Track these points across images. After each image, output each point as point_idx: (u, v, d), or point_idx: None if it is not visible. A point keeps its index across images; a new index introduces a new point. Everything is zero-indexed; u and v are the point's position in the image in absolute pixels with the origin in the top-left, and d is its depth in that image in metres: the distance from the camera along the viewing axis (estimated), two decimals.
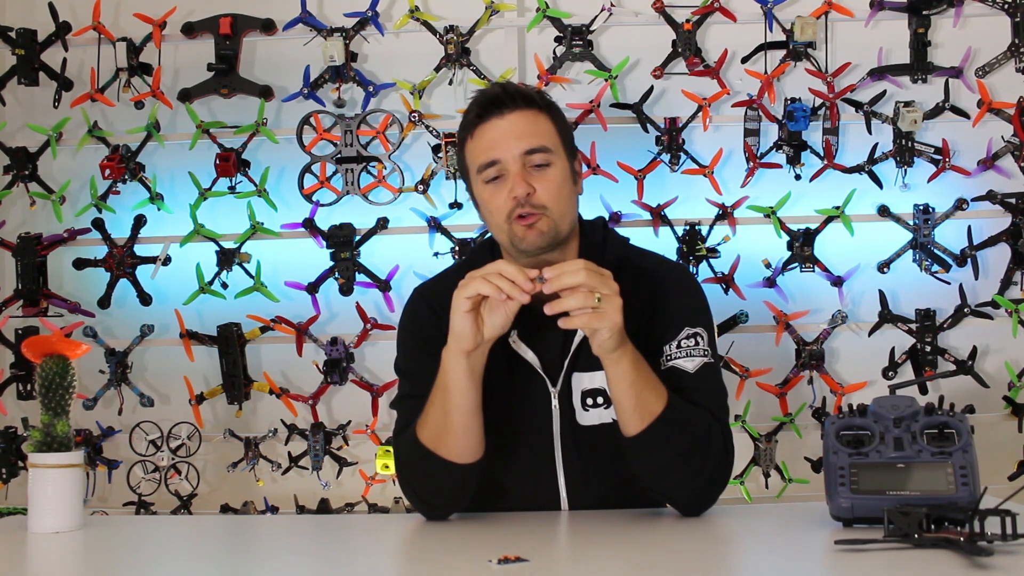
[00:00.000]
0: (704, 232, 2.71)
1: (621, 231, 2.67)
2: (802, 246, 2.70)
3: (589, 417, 1.67)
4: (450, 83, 2.84)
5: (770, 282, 2.72)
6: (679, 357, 1.63)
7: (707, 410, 1.60)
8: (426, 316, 1.67)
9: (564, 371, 1.67)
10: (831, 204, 2.71)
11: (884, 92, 2.71)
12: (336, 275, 2.80)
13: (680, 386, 1.60)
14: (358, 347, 2.80)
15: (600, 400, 1.66)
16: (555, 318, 1.50)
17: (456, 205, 2.79)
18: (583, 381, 1.67)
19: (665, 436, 1.55)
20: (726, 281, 2.71)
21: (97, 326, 2.87)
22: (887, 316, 2.69)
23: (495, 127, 1.63)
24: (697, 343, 1.65)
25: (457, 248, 2.75)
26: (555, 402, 1.67)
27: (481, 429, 1.60)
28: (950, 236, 2.71)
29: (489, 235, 1.73)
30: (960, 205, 2.69)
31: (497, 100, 1.64)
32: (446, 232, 2.78)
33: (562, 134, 1.68)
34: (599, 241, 1.72)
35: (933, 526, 1.31)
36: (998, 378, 2.70)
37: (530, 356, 1.66)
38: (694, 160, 2.76)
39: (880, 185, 2.72)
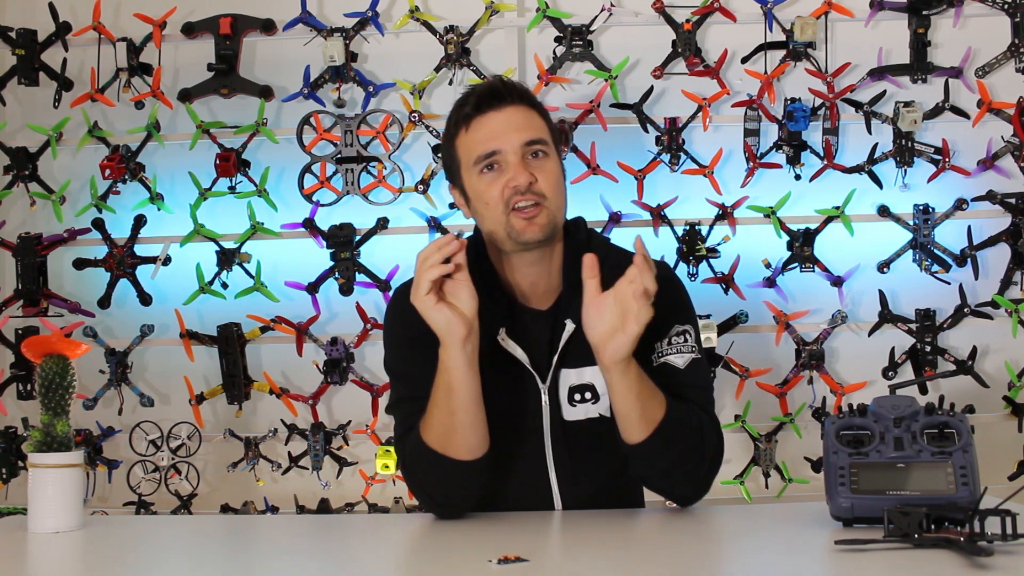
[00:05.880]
0: (704, 232, 2.71)
1: (621, 231, 2.72)
2: (802, 246, 2.70)
3: (575, 412, 1.70)
4: (450, 83, 2.84)
5: (770, 282, 2.72)
6: (670, 354, 1.68)
7: (696, 404, 1.65)
8: (413, 314, 1.64)
9: (552, 368, 1.69)
10: (831, 204, 2.71)
11: (884, 92, 2.71)
12: (336, 275, 2.80)
13: (671, 381, 1.65)
14: (358, 347, 2.80)
15: (588, 396, 1.69)
16: (540, 317, 1.69)
17: (456, 205, 2.79)
18: (571, 377, 1.70)
19: (667, 439, 1.59)
20: (726, 281, 2.71)
21: (97, 326, 2.87)
22: (887, 316, 2.69)
23: (494, 119, 1.65)
24: (686, 339, 1.69)
25: None
26: (545, 398, 1.69)
27: (485, 422, 1.62)
28: (950, 236, 2.71)
29: (469, 236, 1.73)
30: (960, 205, 2.69)
31: (496, 93, 1.67)
32: (446, 232, 2.78)
33: (552, 133, 1.71)
34: (583, 239, 1.74)
35: (933, 526, 1.31)
36: (998, 378, 2.70)
37: (519, 353, 1.68)
38: (694, 160, 2.75)
39: (880, 185, 2.72)
